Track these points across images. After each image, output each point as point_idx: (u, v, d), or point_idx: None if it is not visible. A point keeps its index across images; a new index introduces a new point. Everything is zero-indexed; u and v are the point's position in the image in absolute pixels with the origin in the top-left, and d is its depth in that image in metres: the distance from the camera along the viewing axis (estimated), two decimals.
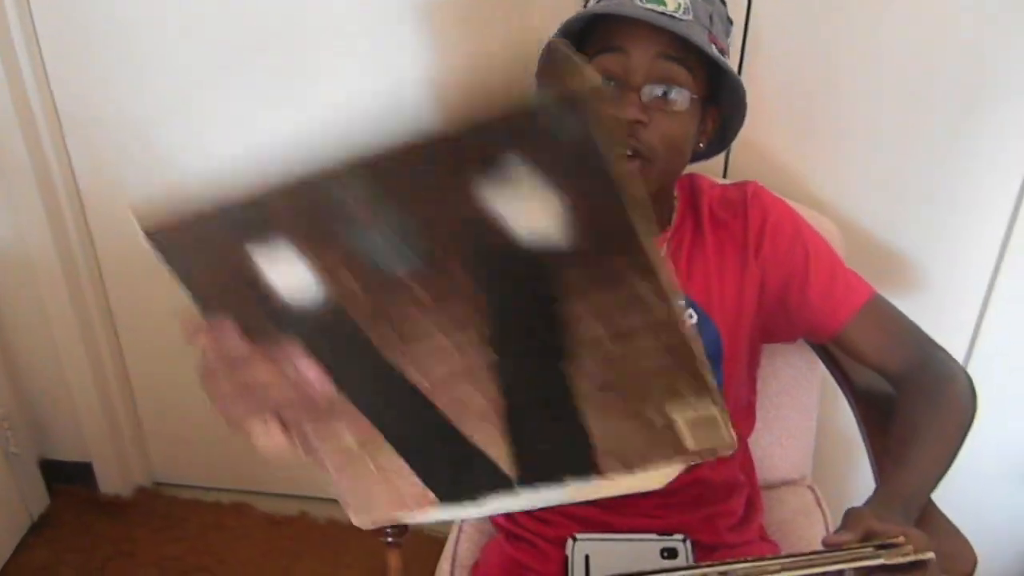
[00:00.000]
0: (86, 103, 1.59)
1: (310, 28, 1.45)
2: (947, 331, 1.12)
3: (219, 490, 2.03)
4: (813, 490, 1.35)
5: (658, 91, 0.94)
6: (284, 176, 0.56)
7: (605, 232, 0.48)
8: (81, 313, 1.78)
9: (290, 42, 1.46)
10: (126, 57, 1.52)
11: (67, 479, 2.02)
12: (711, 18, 0.96)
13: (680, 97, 0.95)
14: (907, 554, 0.70)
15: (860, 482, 1.52)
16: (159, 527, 1.94)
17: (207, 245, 0.60)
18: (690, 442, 0.55)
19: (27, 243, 1.71)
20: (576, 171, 0.46)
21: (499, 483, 0.58)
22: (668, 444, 0.56)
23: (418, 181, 0.50)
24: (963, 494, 1.51)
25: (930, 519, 0.93)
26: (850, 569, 0.70)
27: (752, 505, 1.19)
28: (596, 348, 0.54)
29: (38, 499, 1.97)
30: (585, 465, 0.58)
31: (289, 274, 0.57)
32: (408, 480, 0.65)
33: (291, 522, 1.96)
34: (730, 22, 1.05)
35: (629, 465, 0.58)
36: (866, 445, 1.12)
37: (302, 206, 0.55)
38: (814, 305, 1.07)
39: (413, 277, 0.54)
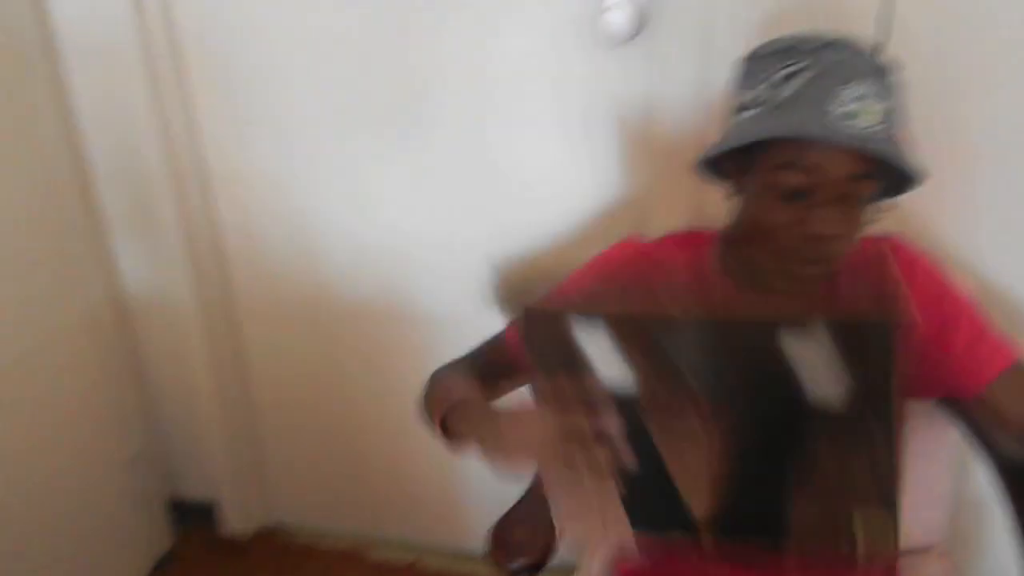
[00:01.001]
0: (235, 160, 1.68)
1: (459, 88, 1.50)
2: None
3: (336, 535, 2.07)
4: (947, 557, 1.30)
5: (847, 205, 0.94)
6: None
7: (872, 410, 0.71)
8: (216, 360, 1.87)
9: (439, 105, 1.52)
10: (275, 115, 1.61)
11: (192, 519, 2.10)
12: (896, 110, 0.95)
13: (865, 207, 0.96)
14: None
15: (996, 550, 1.46)
16: (275, 571, 1.99)
17: (561, 334, 0.82)
18: (862, 545, 0.71)
19: (170, 291, 1.81)
20: (867, 369, 0.72)
21: (685, 525, 0.74)
22: (844, 541, 0.72)
23: (742, 337, 0.78)
24: None
25: None
26: None
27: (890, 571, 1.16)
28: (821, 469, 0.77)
29: (162, 538, 2.05)
30: (773, 536, 0.74)
31: (613, 368, 0.81)
32: (615, 504, 0.85)
33: (401, 572, 1.98)
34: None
35: (805, 549, 0.72)
36: (1014, 518, 1.06)
37: (642, 330, 0.80)
38: (956, 364, 1.04)
39: (700, 396, 0.78)
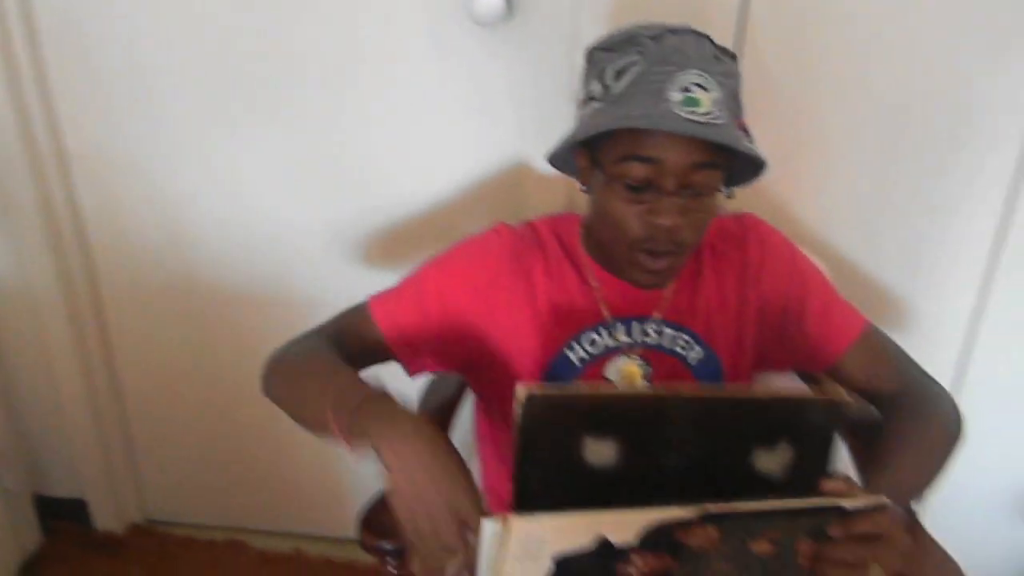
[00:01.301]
0: (94, 142, 1.61)
1: (329, 70, 1.48)
2: (933, 363, 1.15)
3: (213, 528, 2.02)
4: None
5: (692, 193, 0.95)
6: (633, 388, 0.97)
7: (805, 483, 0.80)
8: (81, 350, 1.79)
9: (305, 85, 1.49)
10: (136, 96, 1.54)
11: (61, 516, 2.01)
12: (736, 97, 0.97)
13: (713, 194, 0.98)
14: (861, 500, 0.74)
15: None
16: (153, 564, 1.93)
17: (559, 420, 0.81)
18: None
19: (29, 279, 1.73)
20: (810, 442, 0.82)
21: None
22: None
23: (725, 428, 0.83)
24: (953, 525, 1.53)
25: (918, 539, 0.95)
26: (807, 512, 0.73)
27: None
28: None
29: (31, 536, 1.96)
30: None
31: (603, 459, 0.81)
32: None
33: (285, 560, 1.95)
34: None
35: None
36: (855, 469, 1.14)
37: (637, 418, 0.82)
38: (811, 336, 1.10)
39: (675, 473, 0.82)
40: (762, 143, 1.00)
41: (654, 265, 0.99)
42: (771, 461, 0.84)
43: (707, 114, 0.90)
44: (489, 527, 0.69)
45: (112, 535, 1.99)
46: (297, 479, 1.93)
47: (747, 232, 1.12)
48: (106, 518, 1.99)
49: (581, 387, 1.02)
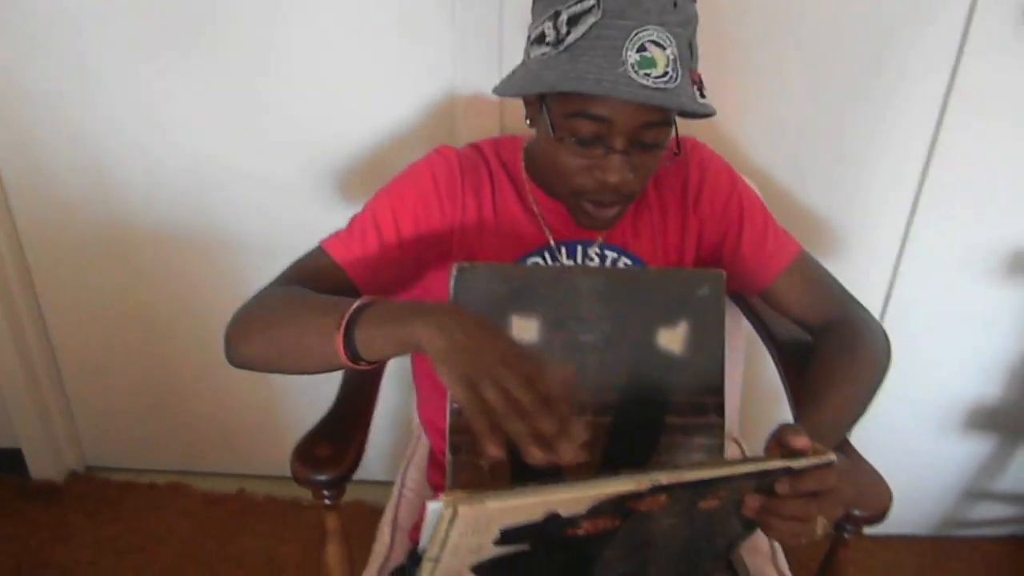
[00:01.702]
0: (11, 77, 1.53)
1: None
2: (862, 288, 1.17)
3: (154, 472, 2.00)
4: (739, 444, 1.40)
5: (642, 148, 0.94)
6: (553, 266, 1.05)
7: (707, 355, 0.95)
8: (5, 298, 1.74)
9: (229, 14, 1.43)
10: (50, 22, 1.47)
11: None
12: (691, 47, 0.93)
13: (662, 148, 0.96)
14: (810, 458, 0.74)
15: None
16: (93, 510, 1.91)
17: (488, 296, 0.92)
18: None
19: None
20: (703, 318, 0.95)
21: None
22: None
23: (630, 303, 0.94)
24: (881, 443, 1.58)
25: (850, 460, 0.98)
26: (756, 474, 0.73)
27: None
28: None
29: None
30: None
31: (528, 336, 0.92)
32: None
33: (229, 500, 1.95)
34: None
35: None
36: (787, 395, 1.16)
37: (557, 295, 0.93)
38: (747, 260, 1.10)
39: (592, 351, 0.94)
40: (702, 68, 0.99)
41: (600, 214, 0.99)
42: (672, 338, 0.94)
43: (662, 76, 0.87)
44: (434, 508, 0.68)
45: (50, 483, 1.97)
46: (238, 420, 1.92)
47: (689, 156, 1.12)
48: (43, 467, 1.96)
49: (505, 264, 1.03)
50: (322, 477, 0.96)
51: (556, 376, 0.72)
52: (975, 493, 1.87)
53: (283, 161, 1.56)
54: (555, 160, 0.96)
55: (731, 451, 1.38)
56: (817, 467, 0.74)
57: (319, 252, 1.05)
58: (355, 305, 0.83)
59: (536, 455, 0.68)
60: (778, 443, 0.77)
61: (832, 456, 0.74)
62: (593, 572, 0.84)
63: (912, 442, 1.77)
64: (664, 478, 0.69)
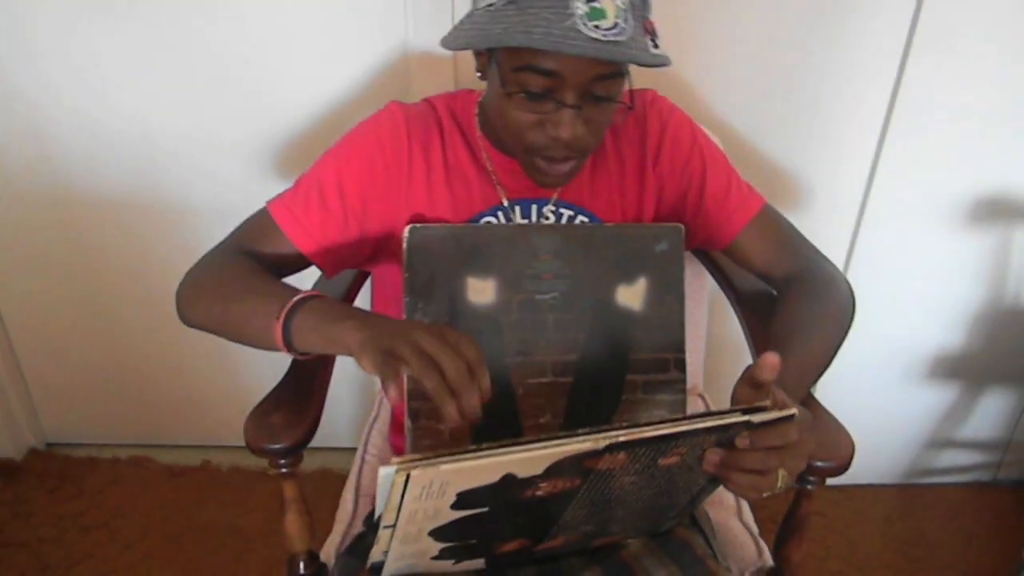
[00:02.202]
0: None
1: None
2: (826, 239, 1.16)
3: (117, 447, 1.97)
4: (703, 397, 1.40)
5: (594, 101, 0.90)
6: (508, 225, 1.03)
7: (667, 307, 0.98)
8: None
9: None
10: None
11: None
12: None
13: (615, 101, 0.92)
14: (770, 412, 0.72)
15: None
16: (54, 487, 1.88)
17: (442, 256, 0.95)
18: None
19: None
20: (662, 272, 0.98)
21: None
22: None
23: (587, 260, 0.96)
24: (844, 394, 1.59)
25: (812, 412, 0.97)
26: (716, 428, 0.72)
27: None
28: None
29: None
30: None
31: (485, 298, 0.95)
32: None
33: (193, 472, 1.93)
34: None
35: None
36: (750, 347, 1.15)
37: (512, 255, 0.96)
38: (710, 215, 1.08)
39: (550, 310, 0.96)
40: (661, 21, 0.96)
41: (553, 170, 0.96)
42: (631, 295, 0.96)
43: (612, 27, 0.84)
44: (386, 473, 0.66)
45: (9, 461, 1.93)
46: (200, 391, 1.89)
47: (648, 109, 1.09)
48: (1, 445, 1.92)
49: (458, 224, 1.01)
50: (277, 446, 0.94)
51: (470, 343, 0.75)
52: (939, 441, 1.89)
53: (232, 123, 1.51)
54: (505, 115, 0.93)
55: (695, 406, 1.37)
56: (778, 420, 0.73)
57: (265, 215, 1.03)
58: (295, 299, 0.86)
59: (451, 413, 0.71)
60: (748, 382, 0.76)
61: (793, 409, 0.73)
62: (555, 532, 0.83)
63: (876, 392, 1.78)
64: (621, 436, 0.67)
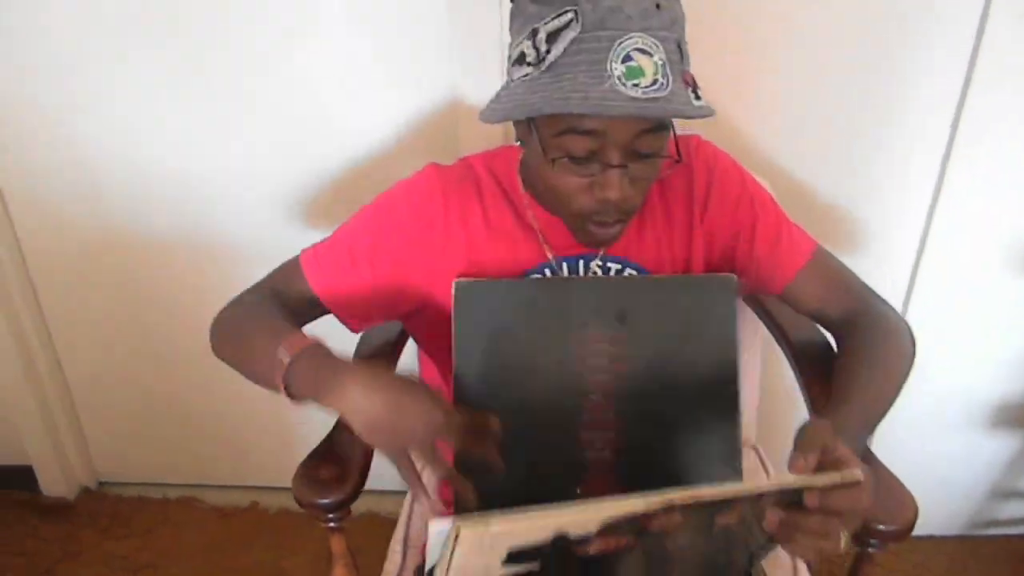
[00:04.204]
0: (3, 92, 1.52)
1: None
2: (882, 284, 1.13)
3: (166, 486, 1.99)
4: (757, 451, 1.36)
5: (639, 158, 0.89)
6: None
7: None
8: (10, 314, 1.73)
9: (221, 23, 1.41)
10: (42, 37, 1.45)
11: (9, 484, 1.97)
12: (680, 49, 0.87)
13: (660, 155, 0.91)
14: (834, 477, 0.70)
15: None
16: (105, 526, 1.90)
17: (490, 312, 0.95)
18: None
19: None
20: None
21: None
22: None
23: (644, 307, 0.96)
24: (904, 442, 1.54)
25: (870, 467, 0.94)
26: (778, 492, 0.70)
27: None
28: None
29: None
30: None
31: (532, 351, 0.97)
32: None
33: (241, 513, 1.93)
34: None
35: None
36: (804, 397, 1.12)
37: (561, 309, 0.97)
38: (762, 262, 1.06)
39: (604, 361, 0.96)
40: (708, 64, 0.95)
41: (604, 233, 0.95)
42: (684, 347, 0.97)
43: (652, 84, 0.82)
44: (439, 531, 0.66)
45: (62, 500, 1.95)
46: (249, 431, 1.89)
47: (693, 156, 1.07)
48: (54, 483, 1.95)
49: (506, 279, 1.01)
50: (326, 500, 0.93)
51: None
52: (1002, 491, 1.82)
53: (278, 167, 1.53)
54: (551, 182, 0.92)
55: (749, 457, 1.34)
56: (843, 485, 0.70)
57: (295, 265, 1.05)
58: (292, 354, 0.87)
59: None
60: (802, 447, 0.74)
61: (860, 475, 0.70)
62: None
63: (937, 441, 1.72)
64: (677, 498, 0.66)
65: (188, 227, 1.62)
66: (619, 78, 0.81)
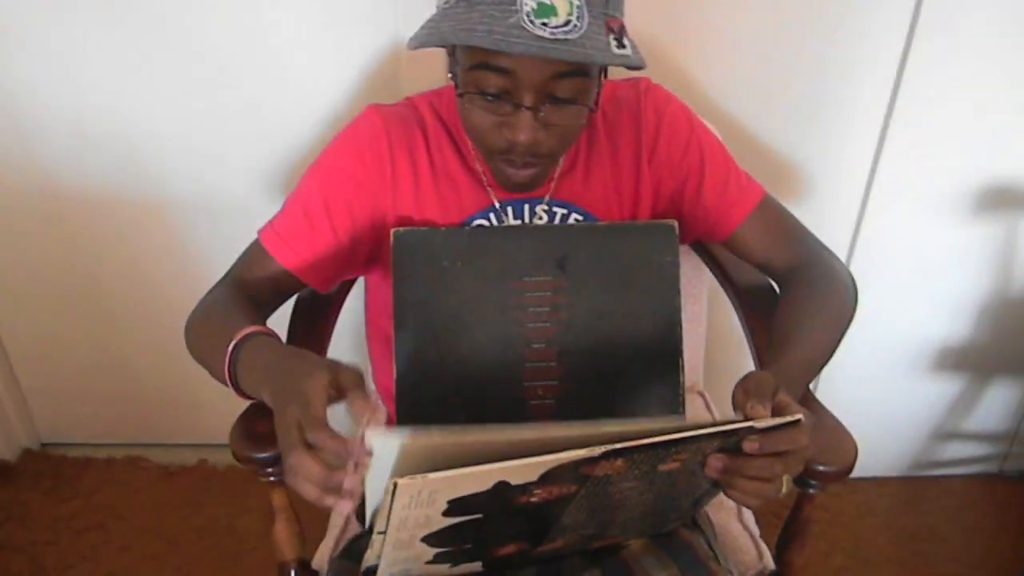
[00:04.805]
0: None
1: None
2: (828, 229, 1.13)
3: (111, 446, 1.95)
4: (703, 396, 1.37)
5: (554, 103, 0.86)
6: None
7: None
8: None
9: None
10: None
11: None
12: None
13: (580, 103, 0.88)
14: (775, 419, 0.70)
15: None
16: (49, 488, 1.86)
17: (429, 261, 0.93)
18: None
19: None
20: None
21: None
22: None
23: (584, 256, 0.95)
24: (848, 386, 1.57)
25: (811, 412, 0.94)
26: (721, 435, 0.70)
27: None
28: None
29: None
30: None
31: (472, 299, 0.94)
32: None
33: (189, 471, 1.91)
34: None
35: None
36: (749, 342, 1.13)
37: (500, 256, 0.94)
38: (709, 208, 1.05)
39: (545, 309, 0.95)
40: (658, 11, 0.92)
41: (517, 175, 0.93)
42: (626, 293, 0.95)
43: (563, 25, 0.79)
44: (378, 442, 0.64)
45: (2, 462, 1.91)
46: (194, 387, 1.85)
47: (642, 99, 1.04)
48: None
49: (445, 228, 0.99)
50: (264, 455, 0.92)
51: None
52: (944, 433, 1.86)
53: (218, 120, 1.48)
54: (466, 116, 0.90)
55: (695, 404, 1.35)
56: (784, 426, 0.70)
57: (257, 247, 1.02)
58: (232, 344, 0.86)
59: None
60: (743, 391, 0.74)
61: (800, 415, 0.70)
62: (553, 535, 0.81)
63: (880, 384, 1.75)
64: (618, 443, 0.65)
65: (122, 183, 1.56)
66: (528, 14, 0.79)
